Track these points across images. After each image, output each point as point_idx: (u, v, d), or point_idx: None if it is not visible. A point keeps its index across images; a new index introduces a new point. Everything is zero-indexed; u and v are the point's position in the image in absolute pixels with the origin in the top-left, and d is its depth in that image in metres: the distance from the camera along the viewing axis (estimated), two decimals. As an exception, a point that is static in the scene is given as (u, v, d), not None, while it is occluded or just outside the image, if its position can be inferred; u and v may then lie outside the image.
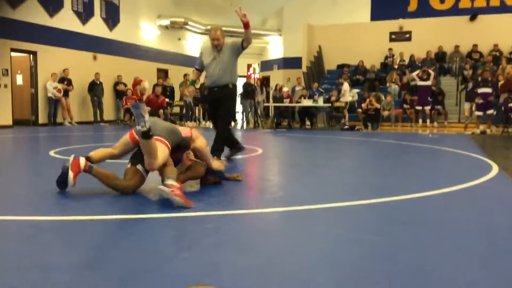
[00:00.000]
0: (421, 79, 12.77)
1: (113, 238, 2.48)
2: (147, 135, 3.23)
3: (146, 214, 3.01)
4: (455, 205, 3.37)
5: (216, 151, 5.30)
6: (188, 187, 3.85)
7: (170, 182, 3.23)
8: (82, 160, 3.53)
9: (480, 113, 11.31)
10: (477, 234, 2.62)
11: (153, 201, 3.41)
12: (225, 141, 5.52)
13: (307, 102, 12.91)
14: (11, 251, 2.25)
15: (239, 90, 14.07)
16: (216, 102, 5.49)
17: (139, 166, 3.58)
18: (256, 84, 14.73)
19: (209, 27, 19.17)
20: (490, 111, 11.29)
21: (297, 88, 14.78)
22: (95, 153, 3.79)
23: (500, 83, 12.06)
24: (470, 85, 12.23)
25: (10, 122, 12.06)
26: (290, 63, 19.02)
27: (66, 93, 13.19)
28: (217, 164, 4.06)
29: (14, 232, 2.60)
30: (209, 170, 3.97)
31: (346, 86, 13.95)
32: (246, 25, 5.16)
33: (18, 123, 12.47)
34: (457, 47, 15.65)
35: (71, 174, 3.45)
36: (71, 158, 3.55)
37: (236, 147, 5.76)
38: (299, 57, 17.63)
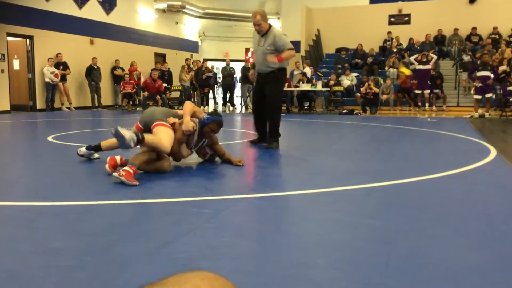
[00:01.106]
0: (420, 62, 12.72)
1: (112, 223, 2.49)
2: (140, 143, 3.60)
3: (145, 199, 3.02)
4: (453, 188, 3.39)
5: (274, 139, 5.34)
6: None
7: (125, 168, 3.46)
8: (118, 157, 3.76)
9: (479, 97, 11.29)
10: (475, 218, 2.64)
11: (152, 187, 3.42)
12: (278, 127, 5.41)
13: (305, 86, 12.86)
14: (11, 236, 2.26)
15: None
16: (261, 88, 5.40)
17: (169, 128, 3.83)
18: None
19: (206, 11, 19.06)
20: (489, 95, 11.27)
21: (295, 72, 14.71)
22: (106, 142, 4.18)
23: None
24: (466, 57, 12.08)
25: (7, 108, 12.00)
26: (289, 47, 18.90)
27: (63, 78, 13.12)
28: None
29: (13, 217, 2.61)
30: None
31: (346, 82, 13.97)
32: (279, 59, 5.18)
33: (16, 109, 12.42)
34: (456, 30, 15.55)
35: (110, 171, 3.68)
36: (107, 159, 3.78)
37: (275, 137, 5.44)
38: (298, 40, 17.50)
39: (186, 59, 15.75)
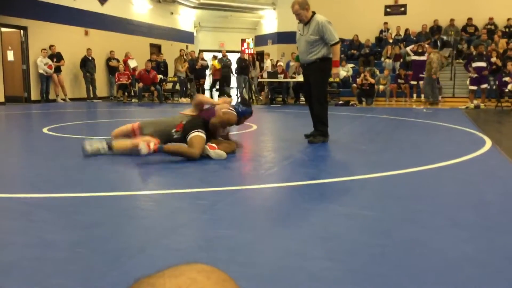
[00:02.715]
0: (416, 53, 12.70)
1: (108, 214, 2.49)
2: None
3: (141, 191, 3.02)
4: (448, 179, 3.40)
5: (319, 132, 5.13)
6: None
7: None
8: (151, 144, 3.83)
9: (474, 88, 11.30)
10: (470, 208, 2.65)
11: (148, 178, 3.42)
12: (323, 119, 5.14)
13: (301, 78, 12.83)
14: (7, 228, 2.25)
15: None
16: (307, 79, 5.25)
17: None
18: (249, 60, 14.61)
19: (202, 1, 18.93)
20: (484, 86, 11.28)
21: (292, 64, 14.68)
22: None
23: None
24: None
25: (2, 99, 11.92)
26: (285, 37, 18.82)
27: (58, 69, 13.03)
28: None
29: (9, 209, 2.61)
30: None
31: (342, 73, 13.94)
32: (335, 64, 5.25)
33: (10, 100, 12.34)
34: (452, 20, 15.53)
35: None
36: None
37: (320, 130, 5.17)
38: (294, 31, 17.44)
39: (181, 50, 15.67)
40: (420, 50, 12.64)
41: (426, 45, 12.89)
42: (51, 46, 12.96)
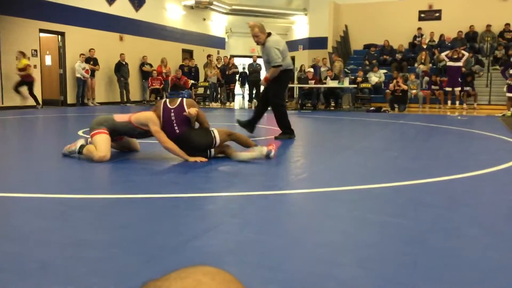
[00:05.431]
0: (451, 59, 12.44)
1: (140, 216, 2.53)
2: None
3: (172, 193, 3.06)
4: (483, 188, 3.32)
5: (283, 132, 5.99)
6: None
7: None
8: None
9: (512, 95, 10.98)
10: (505, 218, 2.57)
11: (179, 181, 3.46)
12: (284, 123, 5.99)
13: (332, 83, 12.75)
14: (43, 228, 2.32)
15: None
16: (266, 88, 6.10)
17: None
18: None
19: (234, 7, 19.10)
20: (522, 93, 10.95)
21: (322, 69, 14.60)
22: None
23: None
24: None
25: (40, 102, 12.32)
26: (316, 43, 18.77)
27: (92, 73, 13.37)
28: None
29: (45, 209, 2.68)
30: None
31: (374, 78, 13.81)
32: (266, 80, 5.94)
33: (47, 103, 12.73)
34: (488, 26, 15.14)
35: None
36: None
37: (284, 132, 6.01)
38: (325, 37, 17.37)
39: (208, 56, 15.80)
40: (455, 56, 12.37)
41: (462, 51, 12.61)
42: (90, 50, 13.30)
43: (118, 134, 4.21)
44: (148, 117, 4.00)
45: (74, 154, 4.24)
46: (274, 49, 5.59)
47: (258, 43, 5.73)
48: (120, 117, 4.19)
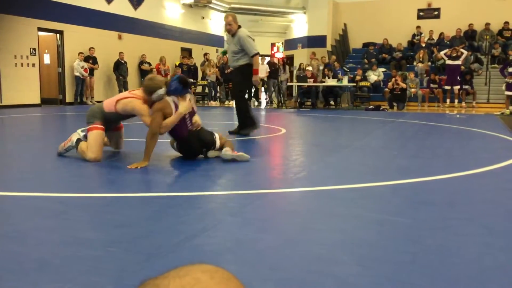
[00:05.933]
0: (450, 57, 12.44)
1: (139, 215, 2.53)
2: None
3: (171, 192, 3.06)
4: (482, 186, 3.32)
5: (243, 125, 6.08)
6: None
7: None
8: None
9: (511, 93, 10.99)
10: (504, 216, 2.58)
11: (179, 180, 3.46)
12: (245, 112, 6.13)
13: (331, 82, 12.75)
14: (42, 226, 2.32)
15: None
16: (230, 80, 6.50)
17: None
18: (279, 64, 14.62)
19: (232, 5, 19.08)
20: (521, 91, 10.96)
21: (321, 68, 14.60)
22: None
23: None
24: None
25: (38, 101, 12.30)
26: (315, 41, 18.76)
27: (91, 72, 13.35)
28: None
29: (44, 208, 2.68)
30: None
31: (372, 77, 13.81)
32: (255, 72, 6.12)
33: (46, 102, 12.70)
34: (487, 24, 15.14)
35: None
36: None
37: (244, 124, 6.14)
38: (324, 35, 17.37)
39: (204, 54, 15.77)
40: (454, 55, 12.37)
41: (461, 49, 12.61)
42: (90, 48, 13.28)
43: (111, 122, 4.30)
44: (137, 109, 4.01)
45: (72, 149, 4.25)
46: (248, 39, 5.90)
47: (229, 32, 6.03)
48: (108, 106, 4.18)
